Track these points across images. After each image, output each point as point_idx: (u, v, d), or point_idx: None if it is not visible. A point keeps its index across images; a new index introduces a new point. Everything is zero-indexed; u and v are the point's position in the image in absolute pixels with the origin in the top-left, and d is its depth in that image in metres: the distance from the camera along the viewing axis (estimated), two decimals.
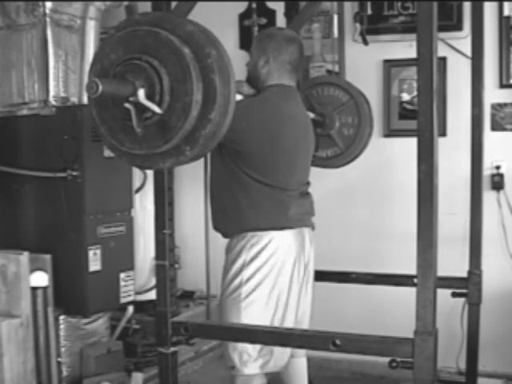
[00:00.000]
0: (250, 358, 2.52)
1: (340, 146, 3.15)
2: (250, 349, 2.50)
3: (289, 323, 2.57)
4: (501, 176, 3.84)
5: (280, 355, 2.57)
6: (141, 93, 1.77)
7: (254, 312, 2.51)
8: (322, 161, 3.14)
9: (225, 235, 2.66)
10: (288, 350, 2.62)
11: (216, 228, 2.67)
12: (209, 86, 1.78)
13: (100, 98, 1.77)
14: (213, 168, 2.65)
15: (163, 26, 1.82)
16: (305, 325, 2.70)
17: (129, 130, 1.83)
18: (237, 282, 2.54)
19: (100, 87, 1.70)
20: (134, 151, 1.87)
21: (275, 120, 2.56)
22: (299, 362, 2.84)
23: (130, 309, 3.67)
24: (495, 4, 3.79)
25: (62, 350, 3.30)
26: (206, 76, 1.78)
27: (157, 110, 1.78)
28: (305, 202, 2.72)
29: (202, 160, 4.65)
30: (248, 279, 2.52)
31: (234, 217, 2.58)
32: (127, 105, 1.80)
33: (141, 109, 1.80)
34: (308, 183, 2.78)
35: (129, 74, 1.80)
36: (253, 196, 2.55)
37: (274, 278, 2.54)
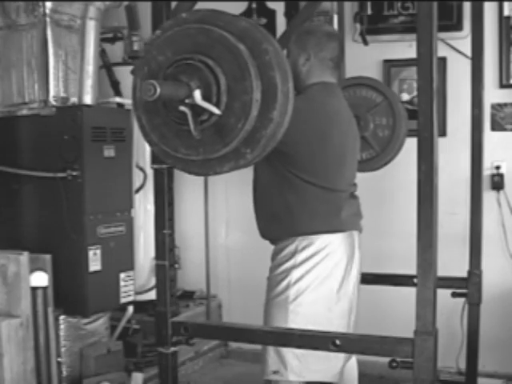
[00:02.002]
0: (291, 365, 2.42)
1: (375, 149, 3.06)
2: (290, 354, 2.41)
3: (337, 328, 2.46)
4: (501, 176, 3.84)
5: (329, 364, 2.46)
6: (197, 94, 1.67)
7: (300, 315, 2.42)
8: (357, 164, 3.05)
9: (273, 241, 2.57)
10: (340, 357, 2.48)
11: (264, 235, 2.58)
12: (268, 84, 1.68)
13: (153, 101, 1.67)
14: (258, 174, 2.56)
15: (215, 23, 1.72)
16: (351, 330, 2.61)
17: (183, 134, 1.73)
18: (284, 283, 2.45)
19: (158, 89, 1.60)
20: (190, 157, 1.76)
21: (322, 118, 2.48)
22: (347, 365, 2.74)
23: (130, 309, 3.67)
24: (495, 4, 3.79)
25: (62, 350, 3.30)
26: (265, 73, 1.68)
27: (216, 110, 1.68)
28: (354, 203, 2.64)
29: None
30: (296, 281, 2.43)
31: (285, 221, 2.49)
32: (182, 107, 1.69)
33: (197, 111, 1.69)
34: (355, 184, 2.69)
35: (182, 75, 1.69)
36: (304, 198, 2.46)
37: (323, 281, 2.45)
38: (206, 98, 1.68)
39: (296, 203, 2.46)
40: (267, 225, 2.57)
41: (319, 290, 2.45)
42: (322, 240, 2.45)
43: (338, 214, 2.50)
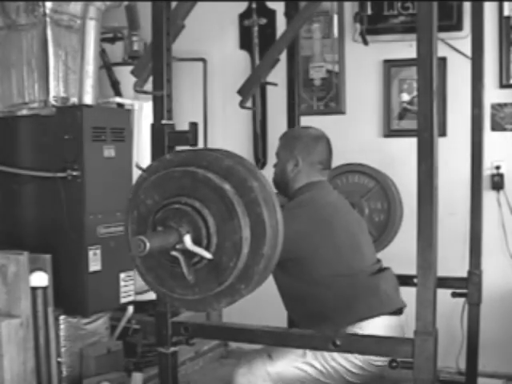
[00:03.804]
0: None
1: (373, 234, 3.00)
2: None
3: None
4: (501, 176, 3.84)
5: None
6: (187, 239, 1.68)
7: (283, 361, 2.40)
8: None
9: None
10: None
11: None
12: (256, 221, 1.70)
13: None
14: (279, 284, 2.53)
15: (198, 164, 1.74)
16: None
17: (178, 275, 1.74)
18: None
19: (148, 245, 1.61)
20: (186, 297, 1.79)
21: (317, 212, 2.47)
22: None
23: (130, 309, 3.67)
24: (495, 4, 3.80)
25: (62, 350, 3.30)
26: (252, 210, 1.70)
27: (206, 255, 1.70)
28: (386, 275, 2.56)
29: None
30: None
31: (325, 318, 2.42)
32: (174, 253, 1.71)
33: (189, 254, 1.71)
34: (379, 260, 2.66)
35: (171, 220, 1.71)
36: (334, 291, 2.41)
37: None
38: (196, 240, 1.70)
39: (328, 298, 2.41)
40: (308, 323, 2.49)
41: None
42: (366, 327, 2.37)
43: (375, 294, 2.44)
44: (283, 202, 2.62)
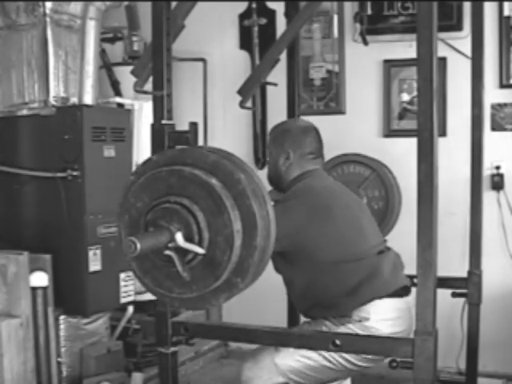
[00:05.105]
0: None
1: None
2: None
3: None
4: (501, 176, 3.84)
5: None
6: (179, 237, 1.70)
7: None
8: None
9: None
10: None
11: (314, 316, 2.54)
12: (247, 213, 1.70)
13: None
14: (284, 275, 2.54)
15: (184, 162, 1.75)
16: None
17: (174, 275, 1.75)
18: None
19: (138, 246, 1.63)
20: (184, 295, 1.79)
21: (314, 200, 2.47)
22: None
23: (130, 309, 3.67)
24: (495, 4, 3.80)
25: (62, 350, 3.30)
26: (241, 203, 1.70)
27: (199, 250, 1.71)
28: (389, 256, 2.54)
29: None
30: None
31: (330, 309, 2.43)
32: (168, 252, 1.73)
33: (182, 252, 1.72)
34: (385, 241, 2.65)
35: (161, 219, 1.72)
36: (340, 278, 2.40)
37: None
38: (187, 237, 1.71)
39: (333, 285, 2.41)
40: (314, 311, 2.51)
41: None
42: (372, 312, 2.37)
43: (378, 275, 2.42)
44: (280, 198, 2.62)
